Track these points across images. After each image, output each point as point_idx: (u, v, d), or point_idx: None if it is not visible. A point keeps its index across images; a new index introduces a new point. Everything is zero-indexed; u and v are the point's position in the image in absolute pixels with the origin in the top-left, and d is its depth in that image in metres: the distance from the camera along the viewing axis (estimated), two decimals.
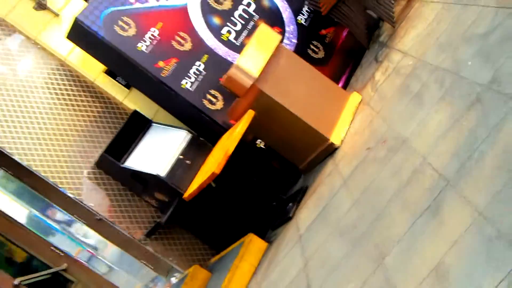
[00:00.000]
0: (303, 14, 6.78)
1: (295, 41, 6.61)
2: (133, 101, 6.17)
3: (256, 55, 5.36)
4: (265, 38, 5.53)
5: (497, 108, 3.19)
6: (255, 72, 5.23)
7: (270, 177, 5.94)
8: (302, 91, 5.48)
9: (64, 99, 6.05)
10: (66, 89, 6.05)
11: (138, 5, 5.88)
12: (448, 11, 5.07)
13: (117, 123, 6.07)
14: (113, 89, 6.18)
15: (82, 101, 6.08)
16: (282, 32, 6.57)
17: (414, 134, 3.99)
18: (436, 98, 4.05)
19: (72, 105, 6.03)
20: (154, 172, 5.40)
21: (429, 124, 3.88)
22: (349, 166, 4.79)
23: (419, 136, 3.90)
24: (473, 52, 3.99)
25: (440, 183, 3.21)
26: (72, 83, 6.10)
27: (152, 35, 5.79)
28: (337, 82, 6.56)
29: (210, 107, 5.78)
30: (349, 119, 5.47)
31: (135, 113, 5.93)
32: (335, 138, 5.33)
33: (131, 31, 5.73)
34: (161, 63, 5.72)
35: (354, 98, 5.68)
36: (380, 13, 6.53)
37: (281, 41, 6.35)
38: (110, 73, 6.20)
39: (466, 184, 2.93)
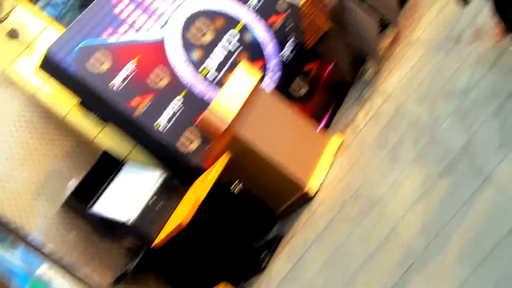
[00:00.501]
0: (287, 48, 6.68)
1: (277, 76, 6.51)
2: (107, 136, 6.04)
3: (233, 97, 5.26)
4: (243, 78, 5.43)
5: (467, 182, 3.10)
6: (230, 115, 5.13)
7: (245, 221, 5.81)
8: (279, 136, 5.37)
9: (35, 134, 5.91)
10: (38, 123, 5.92)
11: (114, 38, 5.78)
12: (431, 57, 5.00)
13: (89, 161, 5.93)
14: (86, 123, 6.04)
15: (52, 137, 5.94)
16: (264, 67, 6.48)
17: (387, 195, 3.90)
18: (411, 157, 3.96)
19: (41, 142, 5.89)
20: (121, 219, 5.27)
21: (401, 187, 3.79)
22: (324, 219, 4.69)
23: (391, 199, 3.81)
24: (450, 110, 3.91)
25: (408, 259, 3.13)
26: (42, 117, 5.97)
27: (127, 70, 5.67)
28: (320, 119, 6.47)
29: (184, 149, 5.67)
30: (327, 165, 5.37)
31: (105, 154, 5.80)
32: (311, 186, 5.22)
33: (105, 66, 5.61)
34: (135, 101, 5.60)
35: (334, 141, 5.59)
36: (365, 49, 6.44)
37: (262, 78, 6.29)
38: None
39: (431, 268, 2.84)
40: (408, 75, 5.22)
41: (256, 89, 5.40)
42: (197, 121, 5.31)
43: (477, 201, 2.87)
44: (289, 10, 6.38)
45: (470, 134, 3.41)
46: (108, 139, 6.02)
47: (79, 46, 5.56)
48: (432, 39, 5.25)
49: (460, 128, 3.58)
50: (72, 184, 5.78)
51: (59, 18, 11.14)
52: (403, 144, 4.26)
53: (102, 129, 6.02)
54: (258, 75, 5.52)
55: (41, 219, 5.65)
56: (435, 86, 4.45)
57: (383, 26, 6.63)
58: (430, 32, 5.44)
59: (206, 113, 5.17)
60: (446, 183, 3.27)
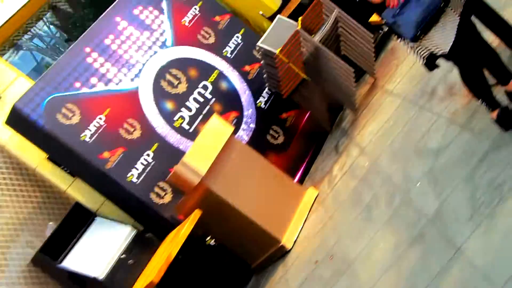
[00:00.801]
0: (263, 97, 6.65)
1: (253, 125, 6.47)
2: (78, 189, 5.94)
3: (206, 150, 5.22)
4: (217, 130, 5.40)
5: (438, 253, 3.05)
6: (203, 169, 5.08)
7: (220, 276, 5.71)
8: (254, 188, 5.32)
9: (4, 186, 5.81)
10: (5, 178, 5.81)
11: (84, 90, 5.72)
12: (405, 110, 4.98)
13: (59, 214, 5.83)
14: (57, 176, 5.94)
15: (21, 190, 5.84)
16: (240, 116, 6.44)
17: (359, 259, 3.85)
18: (384, 218, 3.93)
19: (10, 195, 5.79)
20: (91, 275, 5.17)
21: (374, 251, 3.75)
22: (297, 278, 4.63)
23: (364, 263, 3.77)
24: (423, 171, 3.89)
25: None
26: (11, 170, 5.86)
27: (98, 122, 5.60)
28: (297, 167, 6.40)
29: (157, 201, 5.59)
30: (303, 219, 5.33)
31: (77, 205, 5.70)
32: (287, 240, 5.17)
33: (75, 119, 5.54)
34: (106, 154, 5.53)
35: (310, 194, 5.54)
36: (341, 98, 6.43)
37: (238, 127, 6.25)
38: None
39: None
40: (383, 128, 5.20)
41: (229, 142, 5.35)
42: (169, 175, 5.25)
43: (447, 275, 2.82)
44: (265, 58, 6.37)
45: (442, 200, 3.38)
46: (79, 191, 5.92)
47: (49, 98, 5.48)
48: (407, 91, 5.24)
49: (432, 193, 3.55)
50: (52, 224, 5.69)
51: (45, 51, 11.13)
52: (376, 203, 4.22)
53: (73, 181, 5.91)
54: (231, 127, 5.48)
55: (7, 274, 5.51)
56: (408, 143, 4.43)
57: (360, 73, 6.62)
58: (405, 84, 5.44)
59: (178, 167, 5.12)
60: (417, 252, 3.23)
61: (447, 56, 3.32)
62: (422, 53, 3.36)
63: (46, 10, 7.64)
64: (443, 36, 3.27)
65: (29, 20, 7.05)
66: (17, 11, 6.57)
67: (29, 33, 8.30)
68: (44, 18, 8.68)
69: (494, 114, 3.37)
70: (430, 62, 3.43)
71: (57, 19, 10.13)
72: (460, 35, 3.22)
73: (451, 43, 3.23)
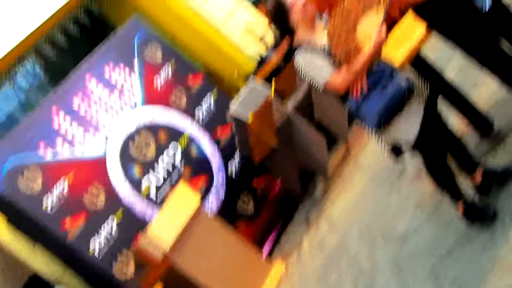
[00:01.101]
0: (234, 162, 6.60)
1: (223, 192, 6.40)
2: (39, 256, 5.80)
3: (170, 222, 5.17)
4: (183, 200, 5.36)
5: None
6: (167, 243, 5.02)
7: None
8: (219, 264, 5.26)
9: None
10: None
11: (49, 153, 5.61)
12: (375, 187, 5.01)
13: (20, 281, 5.69)
14: (16, 242, 5.80)
15: None
16: (210, 182, 6.37)
17: None
18: None
19: None
20: None
21: None
22: None
23: None
24: (388, 257, 3.88)
25: None
26: None
27: (60, 189, 5.48)
28: (266, 238, 6.33)
29: (120, 276, 5.45)
30: None
31: (34, 278, 5.57)
32: None
33: (37, 185, 5.43)
34: (68, 222, 5.39)
35: (277, 269, 5.50)
36: (313, 166, 6.42)
37: (206, 195, 6.19)
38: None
39: None
40: (353, 203, 5.23)
41: (196, 213, 5.30)
42: (133, 247, 5.18)
43: None
44: (236, 124, 6.36)
45: None
46: (38, 259, 5.79)
47: (11, 162, 5.37)
48: (379, 166, 5.26)
49: (395, 284, 3.53)
50: None
51: (28, 91, 11.02)
52: (341, 285, 4.19)
53: (32, 248, 5.79)
54: (198, 196, 5.44)
55: None
56: (376, 224, 4.45)
57: (333, 140, 6.62)
58: (377, 156, 5.43)
59: (141, 241, 5.06)
60: None
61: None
62: (386, 141, 3.35)
63: (32, 53, 7.62)
64: (407, 126, 3.25)
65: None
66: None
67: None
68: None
69: (460, 206, 3.35)
70: (395, 151, 3.43)
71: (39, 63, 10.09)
72: (425, 125, 3.22)
73: (415, 133, 3.22)
